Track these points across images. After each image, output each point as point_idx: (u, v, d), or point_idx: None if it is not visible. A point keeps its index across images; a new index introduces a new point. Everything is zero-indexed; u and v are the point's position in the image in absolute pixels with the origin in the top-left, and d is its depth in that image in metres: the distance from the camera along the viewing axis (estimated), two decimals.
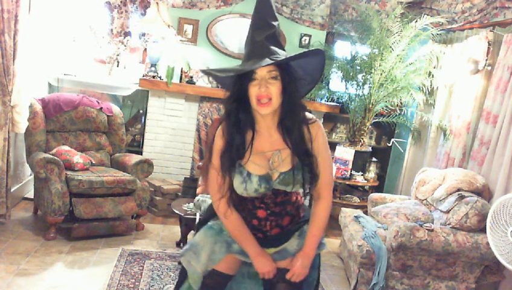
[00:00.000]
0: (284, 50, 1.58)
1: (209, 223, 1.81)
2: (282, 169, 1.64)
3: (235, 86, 1.59)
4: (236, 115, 1.60)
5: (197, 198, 3.33)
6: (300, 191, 1.72)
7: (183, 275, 1.86)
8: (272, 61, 1.49)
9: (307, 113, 1.67)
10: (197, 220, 2.02)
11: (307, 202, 3.39)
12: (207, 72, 1.60)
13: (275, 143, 1.65)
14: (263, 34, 1.55)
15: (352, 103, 4.64)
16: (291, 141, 1.63)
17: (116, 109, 4.17)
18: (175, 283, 2.01)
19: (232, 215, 1.68)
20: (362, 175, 4.50)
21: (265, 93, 1.52)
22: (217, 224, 1.78)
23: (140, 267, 3.10)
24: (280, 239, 1.74)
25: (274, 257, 1.73)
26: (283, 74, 1.54)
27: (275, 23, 1.59)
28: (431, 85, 4.32)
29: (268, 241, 1.73)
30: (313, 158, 1.64)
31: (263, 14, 1.59)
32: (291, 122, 1.61)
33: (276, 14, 1.64)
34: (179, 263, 1.89)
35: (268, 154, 1.64)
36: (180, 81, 4.60)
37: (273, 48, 1.53)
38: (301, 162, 1.63)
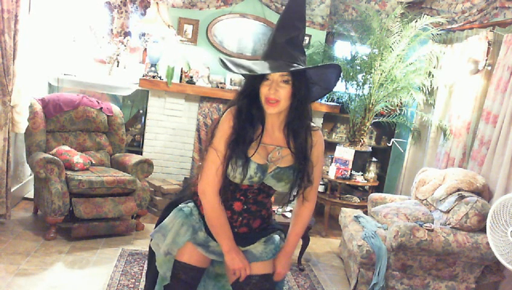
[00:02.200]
0: (304, 54, 1.58)
1: (180, 205, 1.78)
2: (280, 164, 1.66)
3: (249, 82, 1.63)
4: (248, 110, 1.62)
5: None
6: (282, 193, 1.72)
7: (152, 264, 1.80)
8: (284, 70, 1.51)
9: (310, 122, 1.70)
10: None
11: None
12: (223, 62, 1.59)
13: (276, 140, 1.67)
14: (285, 36, 1.54)
15: (352, 103, 4.64)
16: (295, 144, 1.65)
17: (116, 109, 4.16)
18: (145, 273, 1.92)
19: (218, 203, 1.64)
20: (362, 175, 4.50)
21: (274, 95, 1.54)
22: (188, 207, 1.75)
23: (140, 267, 3.10)
24: (246, 239, 1.73)
25: None
26: (295, 79, 1.55)
27: (301, 25, 1.58)
28: (431, 85, 4.32)
29: (235, 239, 1.69)
30: (309, 164, 1.66)
31: (291, 14, 1.58)
32: (298, 126, 1.63)
33: (305, 15, 1.64)
34: (149, 248, 1.84)
35: (269, 147, 1.66)
36: (180, 81, 4.60)
37: (292, 51, 1.54)
38: (298, 166, 1.65)
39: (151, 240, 1.78)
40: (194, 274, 1.73)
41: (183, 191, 1.93)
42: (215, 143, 1.62)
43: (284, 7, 4.66)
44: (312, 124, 1.69)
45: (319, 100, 4.83)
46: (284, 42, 1.54)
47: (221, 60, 1.59)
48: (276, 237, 1.78)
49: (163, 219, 1.78)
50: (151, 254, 1.82)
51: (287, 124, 1.65)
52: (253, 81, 1.59)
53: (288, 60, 1.52)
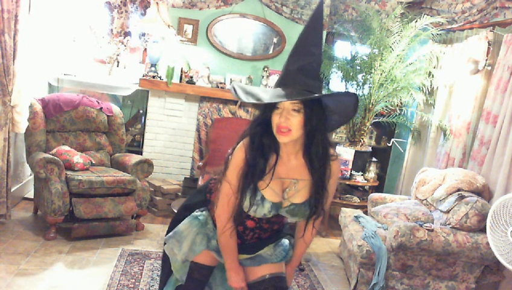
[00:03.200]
0: (319, 81, 1.54)
1: (196, 212, 1.81)
2: (294, 200, 1.64)
3: (261, 111, 1.59)
4: (260, 139, 1.58)
5: None
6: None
7: (166, 266, 1.86)
8: (290, 99, 1.45)
9: (331, 149, 1.65)
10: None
11: None
12: (234, 90, 1.54)
13: (292, 170, 1.64)
14: (298, 63, 1.50)
15: None
16: (314, 170, 1.61)
17: (116, 109, 4.16)
18: (159, 275, 2.00)
19: (229, 228, 1.68)
20: (362, 175, 4.50)
21: (285, 124, 1.50)
22: (203, 215, 1.78)
23: (140, 267, 3.10)
24: (256, 247, 1.76)
25: (247, 263, 1.76)
26: (306, 108, 1.50)
27: (317, 51, 1.53)
28: (431, 85, 4.31)
29: (244, 248, 1.76)
30: (326, 195, 1.64)
31: (306, 39, 1.54)
32: (315, 153, 1.59)
33: (321, 39, 1.57)
34: (163, 251, 1.90)
35: (286, 182, 1.63)
36: (180, 81, 4.61)
37: (304, 79, 1.48)
38: (315, 195, 1.63)
39: (165, 244, 1.82)
40: (206, 272, 1.82)
41: (196, 195, 1.92)
42: (228, 176, 1.63)
43: (283, 7, 4.72)
44: (332, 151, 1.64)
45: None
46: (296, 69, 1.50)
47: (233, 88, 1.54)
48: (285, 241, 1.80)
49: (176, 222, 1.83)
50: (165, 256, 1.87)
51: (305, 152, 1.61)
52: (265, 110, 1.56)
53: (300, 88, 1.47)
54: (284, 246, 1.78)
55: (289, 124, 1.50)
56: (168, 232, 1.86)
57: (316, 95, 1.48)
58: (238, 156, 1.60)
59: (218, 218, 1.69)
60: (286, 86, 1.49)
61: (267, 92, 1.51)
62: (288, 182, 1.63)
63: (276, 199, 1.63)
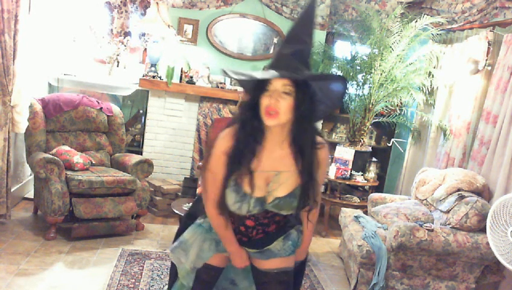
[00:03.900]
0: (309, 69, 1.53)
1: (198, 220, 1.81)
2: (278, 193, 1.61)
3: (252, 94, 1.56)
4: (251, 123, 1.56)
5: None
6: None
7: (173, 272, 1.88)
8: (285, 75, 1.45)
9: (318, 137, 1.64)
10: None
11: None
12: (225, 72, 1.53)
13: (276, 162, 1.61)
14: (291, 48, 1.50)
15: (352, 103, 4.64)
16: (302, 160, 1.59)
17: (116, 109, 4.16)
18: (168, 282, 2.03)
19: (219, 219, 1.68)
20: (362, 175, 4.50)
21: (275, 106, 1.48)
22: (206, 222, 1.79)
23: (140, 267, 3.10)
24: (264, 242, 1.76)
25: (256, 256, 1.77)
26: (298, 91, 1.49)
27: (309, 40, 1.54)
28: (431, 85, 4.31)
29: (252, 244, 1.76)
30: (314, 183, 1.62)
31: (299, 28, 1.55)
32: (303, 143, 1.58)
33: (313, 29, 1.58)
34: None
35: (269, 175, 1.61)
36: (180, 81, 4.60)
37: (297, 63, 1.48)
38: (302, 185, 1.60)
39: (171, 252, 1.82)
40: (215, 274, 1.82)
41: (197, 202, 1.92)
42: (210, 165, 1.62)
43: (283, 7, 4.72)
44: (318, 138, 1.63)
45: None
46: (290, 54, 1.49)
47: (224, 70, 1.53)
48: (294, 233, 1.79)
49: (182, 232, 1.83)
50: (173, 265, 1.88)
51: (292, 141, 1.59)
52: (255, 93, 1.54)
53: (292, 71, 1.47)
54: (292, 240, 1.77)
55: (278, 106, 1.48)
56: (174, 241, 1.86)
57: (311, 75, 1.50)
58: (223, 145, 1.59)
59: (208, 211, 1.69)
60: (279, 68, 1.47)
61: (258, 73, 1.51)
62: (271, 175, 1.60)
63: (260, 193, 1.61)
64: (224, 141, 1.59)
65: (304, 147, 1.58)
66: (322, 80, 1.57)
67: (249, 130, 1.57)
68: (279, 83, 1.48)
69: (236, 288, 1.89)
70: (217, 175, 1.60)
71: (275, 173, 1.60)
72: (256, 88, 1.53)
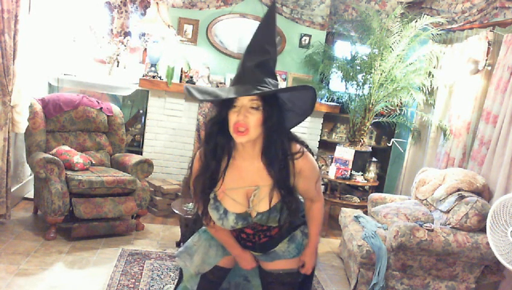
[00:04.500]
0: (275, 79, 1.50)
1: (204, 226, 1.83)
2: (259, 209, 1.59)
3: (217, 110, 1.53)
4: (216, 139, 1.53)
5: None
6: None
7: (181, 275, 1.92)
8: (250, 93, 1.41)
9: (296, 145, 1.58)
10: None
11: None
12: (189, 90, 1.47)
13: (255, 176, 1.58)
14: (255, 60, 1.45)
15: (352, 103, 4.64)
16: (275, 173, 1.55)
17: (116, 109, 4.17)
18: (175, 283, 2.05)
19: (214, 229, 1.71)
20: (362, 175, 4.50)
21: (243, 122, 1.44)
22: None
23: (140, 267, 3.10)
24: (269, 246, 1.76)
25: (261, 258, 1.79)
26: (266, 105, 1.45)
27: (271, 49, 1.50)
28: (431, 85, 4.31)
29: (257, 248, 1.77)
30: (292, 196, 1.58)
31: (260, 37, 1.51)
32: (274, 155, 1.53)
33: (275, 38, 1.55)
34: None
35: (248, 190, 1.58)
36: (180, 81, 4.61)
37: (261, 76, 1.44)
38: (282, 200, 1.57)
39: (177, 257, 1.83)
40: (222, 274, 1.84)
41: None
42: (192, 185, 1.65)
43: (283, 7, 4.72)
44: (296, 147, 1.57)
45: (319, 100, 4.84)
46: (254, 66, 1.45)
47: (187, 89, 1.48)
48: (298, 235, 1.78)
49: (190, 235, 1.87)
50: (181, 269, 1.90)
51: (263, 153, 1.55)
52: (222, 109, 1.50)
53: (257, 84, 1.42)
54: (297, 242, 1.77)
55: (247, 122, 1.44)
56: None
57: (277, 89, 1.45)
58: (195, 165, 1.62)
59: (203, 221, 1.72)
60: (243, 83, 1.44)
61: (224, 90, 1.47)
62: (250, 191, 1.58)
63: (240, 209, 1.59)
64: (196, 162, 1.62)
65: (273, 161, 1.54)
66: (289, 91, 1.54)
67: (215, 147, 1.55)
68: (246, 98, 1.45)
69: (249, 284, 1.91)
70: (197, 194, 1.62)
71: (255, 187, 1.58)
72: (223, 104, 1.49)
